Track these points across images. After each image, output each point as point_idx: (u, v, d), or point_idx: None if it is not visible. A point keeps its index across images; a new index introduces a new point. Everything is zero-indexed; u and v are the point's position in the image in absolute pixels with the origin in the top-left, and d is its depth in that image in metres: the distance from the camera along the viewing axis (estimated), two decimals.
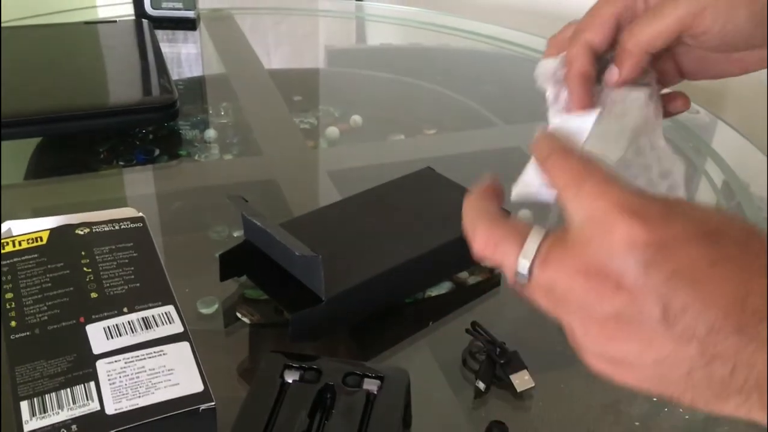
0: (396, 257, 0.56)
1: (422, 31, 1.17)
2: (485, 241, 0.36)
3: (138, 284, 0.51)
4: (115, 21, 0.97)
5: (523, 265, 0.34)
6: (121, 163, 0.78)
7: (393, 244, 0.58)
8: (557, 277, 0.33)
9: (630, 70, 0.44)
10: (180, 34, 1.03)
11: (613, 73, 0.45)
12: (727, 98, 1.19)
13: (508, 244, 0.34)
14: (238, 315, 0.58)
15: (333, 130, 0.84)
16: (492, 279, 0.62)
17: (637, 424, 0.50)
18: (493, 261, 0.36)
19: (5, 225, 0.55)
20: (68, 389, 0.43)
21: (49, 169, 0.79)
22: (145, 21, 0.95)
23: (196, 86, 0.97)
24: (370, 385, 0.45)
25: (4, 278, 0.49)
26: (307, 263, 0.51)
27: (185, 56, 1.04)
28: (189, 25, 1.03)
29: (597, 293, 0.31)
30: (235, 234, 0.66)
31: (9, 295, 0.48)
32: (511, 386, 0.51)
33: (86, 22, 0.96)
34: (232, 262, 0.58)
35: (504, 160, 0.83)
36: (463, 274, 0.62)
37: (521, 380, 0.51)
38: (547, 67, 0.46)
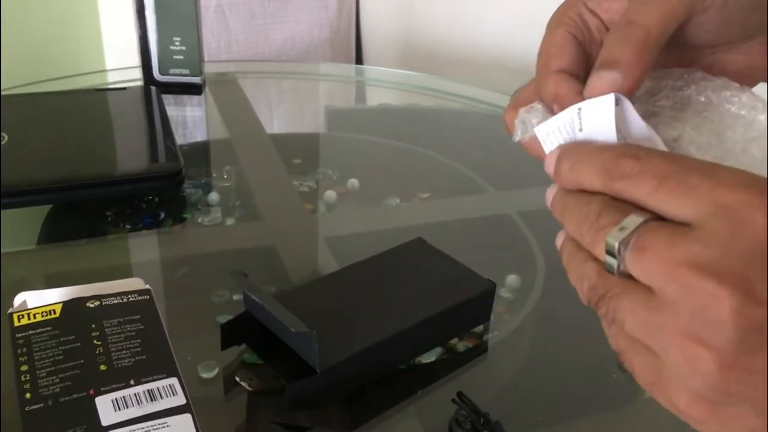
0: (388, 328, 0.60)
1: (420, 94, 1.22)
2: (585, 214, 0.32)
3: (144, 356, 0.54)
4: (125, 88, 1.01)
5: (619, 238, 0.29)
6: (128, 226, 0.82)
7: (386, 314, 0.61)
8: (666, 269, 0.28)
9: (643, 65, 0.35)
10: (186, 98, 1.08)
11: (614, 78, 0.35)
12: None
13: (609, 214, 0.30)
14: (237, 379, 0.61)
15: (331, 194, 0.88)
16: (480, 345, 0.66)
17: None
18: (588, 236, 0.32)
19: (20, 297, 0.58)
20: None
21: (60, 234, 0.83)
22: (153, 88, 1.00)
23: (201, 149, 1.02)
24: None
25: (19, 351, 0.53)
26: (302, 338, 0.55)
27: (191, 119, 1.08)
28: (195, 90, 1.07)
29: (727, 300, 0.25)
30: (235, 297, 0.69)
31: (24, 368, 0.52)
32: None
33: (96, 89, 1.01)
34: (233, 332, 0.61)
35: (493, 227, 0.87)
36: (454, 340, 0.65)
37: None
38: (526, 115, 0.42)
